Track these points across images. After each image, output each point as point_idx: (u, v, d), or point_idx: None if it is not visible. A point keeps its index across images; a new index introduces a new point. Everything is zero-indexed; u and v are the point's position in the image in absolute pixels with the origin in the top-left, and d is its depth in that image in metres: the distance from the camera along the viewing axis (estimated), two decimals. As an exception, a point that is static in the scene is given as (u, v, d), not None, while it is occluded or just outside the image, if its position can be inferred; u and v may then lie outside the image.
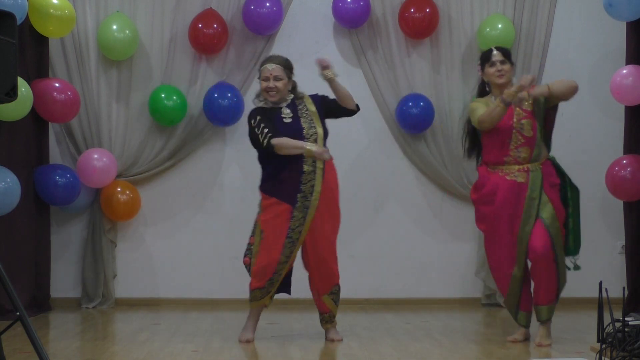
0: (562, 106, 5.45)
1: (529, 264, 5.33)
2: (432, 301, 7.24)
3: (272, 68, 5.36)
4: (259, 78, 5.44)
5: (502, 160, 5.33)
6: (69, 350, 5.10)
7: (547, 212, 5.23)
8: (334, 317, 5.50)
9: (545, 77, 7.12)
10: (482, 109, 5.29)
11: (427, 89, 7.19)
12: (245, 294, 5.45)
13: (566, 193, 5.36)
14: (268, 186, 5.38)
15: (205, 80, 7.13)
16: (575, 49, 7.36)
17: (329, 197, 5.35)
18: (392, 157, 7.29)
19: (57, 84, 6.61)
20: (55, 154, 7.08)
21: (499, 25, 7.02)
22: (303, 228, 5.30)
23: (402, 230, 7.29)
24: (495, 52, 5.37)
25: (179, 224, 7.23)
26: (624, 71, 6.44)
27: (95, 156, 6.84)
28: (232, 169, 7.25)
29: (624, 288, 4.52)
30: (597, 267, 6.77)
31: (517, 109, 5.29)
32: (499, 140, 5.31)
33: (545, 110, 5.35)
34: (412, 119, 7.08)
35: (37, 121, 6.64)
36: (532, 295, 5.34)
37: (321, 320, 5.52)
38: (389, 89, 7.20)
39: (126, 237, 7.18)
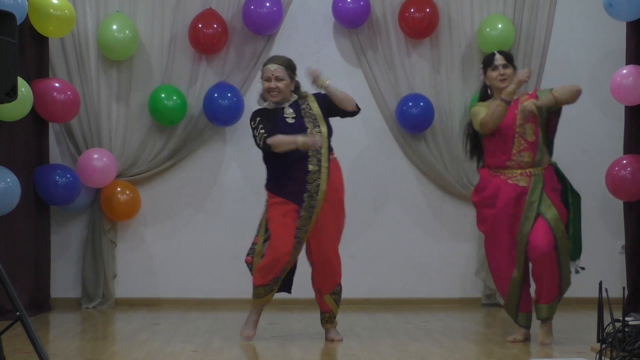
0: (563, 107, 5.45)
1: (529, 266, 5.33)
2: (432, 301, 7.24)
3: (274, 68, 5.36)
4: (261, 78, 5.44)
5: (505, 164, 5.33)
6: (69, 350, 5.10)
7: (550, 213, 5.23)
8: (335, 317, 5.50)
9: (545, 77, 7.13)
10: (484, 112, 5.29)
11: (427, 89, 7.19)
12: (245, 294, 5.45)
13: (567, 199, 5.37)
14: (274, 186, 5.38)
15: (205, 80, 7.13)
16: (575, 49, 7.36)
17: (334, 197, 5.36)
18: (392, 157, 7.29)
19: (57, 84, 6.61)
20: (55, 154, 7.08)
21: (499, 25, 7.02)
22: (309, 227, 5.31)
23: (402, 230, 7.29)
24: (497, 56, 5.38)
25: (179, 224, 7.23)
26: (624, 71, 6.44)
27: (95, 156, 6.84)
28: (232, 169, 7.25)
29: (624, 288, 4.52)
30: (597, 267, 6.76)
31: (520, 113, 5.30)
32: (502, 144, 5.31)
33: (548, 115, 5.34)
34: (412, 119, 7.08)
35: (37, 121, 6.64)
36: (533, 295, 5.35)
37: (321, 320, 5.52)
38: (389, 89, 7.20)
39: (126, 237, 7.18)
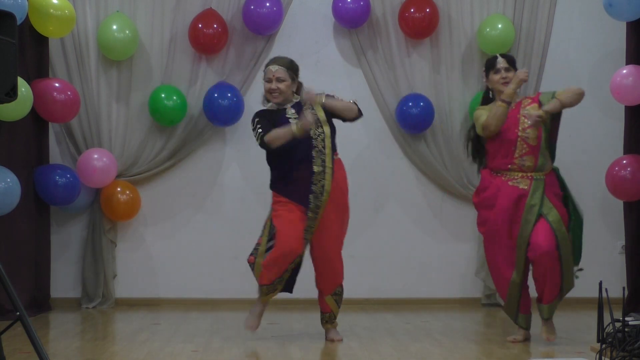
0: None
1: (529, 269, 5.33)
2: (432, 301, 7.24)
3: (276, 69, 5.36)
4: (263, 79, 5.44)
5: (507, 167, 5.34)
6: (69, 350, 5.10)
7: (552, 215, 5.23)
8: (335, 317, 5.50)
9: (545, 77, 7.13)
10: (486, 115, 5.30)
11: (427, 89, 7.18)
12: (245, 294, 5.46)
13: (568, 204, 5.37)
14: (279, 186, 5.37)
15: (205, 80, 7.13)
16: (575, 49, 7.36)
17: (338, 197, 5.36)
18: (392, 157, 7.29)
19: (57, 84, 6.61)
20: (55, 154, 7.08)
21: (499, 25, 7.01)
22: (315, 228, 5.31)
23: (402, 230, 7.29)
24: (500, 59, 5.38)
25: (179, 224, 7.23)
26: (624, 71, 6.44)
27: (95, 156, 6.84)
28: (232, 169, 7.25)
29: (624, 288, 4.52)
30: (597, 267, 6.75)
31: (522, 117, 5.30)
32: (504, 148, 5.32)
33: (550, 119, 5.34)
34: (412, 119, 7.08)
35: (37, 121, 6.64)
36: (533, 295, 5.35)
37: (322, 320, 5.52)
38: (389, 89, 7.20)
39: (126, 237, 7.18)
